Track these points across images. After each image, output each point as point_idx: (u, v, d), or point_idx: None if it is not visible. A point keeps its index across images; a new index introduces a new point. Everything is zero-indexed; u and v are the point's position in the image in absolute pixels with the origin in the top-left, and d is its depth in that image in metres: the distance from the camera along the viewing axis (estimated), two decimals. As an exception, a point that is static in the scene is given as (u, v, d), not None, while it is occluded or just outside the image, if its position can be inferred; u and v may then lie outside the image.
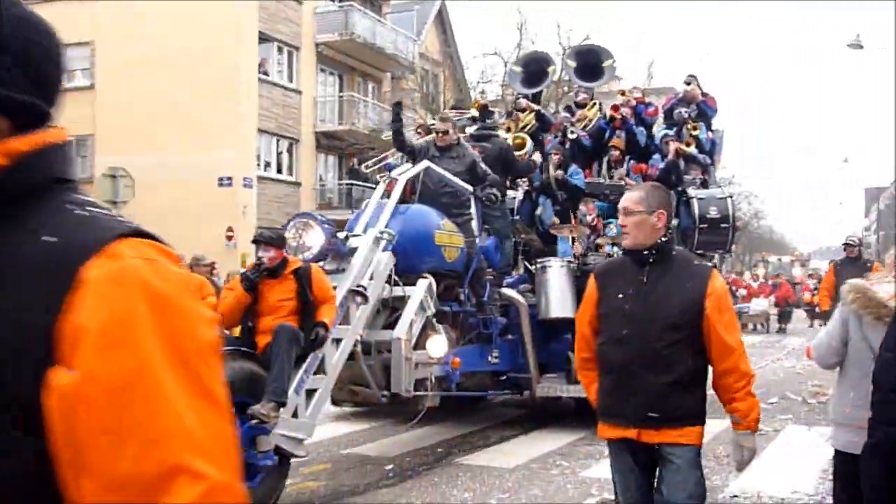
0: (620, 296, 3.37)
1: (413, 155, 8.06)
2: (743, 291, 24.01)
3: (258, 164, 24.37)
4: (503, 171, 8.97)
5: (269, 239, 5.81)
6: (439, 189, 7.76)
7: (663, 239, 3.34)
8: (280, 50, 25.49)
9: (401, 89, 26.79)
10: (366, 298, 6.23)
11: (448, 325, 7.59)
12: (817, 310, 17.30)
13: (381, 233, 6.63)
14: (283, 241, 5.91)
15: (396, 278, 6.82)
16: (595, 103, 11.03)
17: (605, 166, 10.35)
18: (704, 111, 10.82)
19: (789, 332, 24.27)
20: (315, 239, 6.34)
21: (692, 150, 10.12)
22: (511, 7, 46.62)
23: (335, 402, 7.12)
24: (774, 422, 8.99)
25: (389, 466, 7.19)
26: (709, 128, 10.91)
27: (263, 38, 24.34)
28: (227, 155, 22.72)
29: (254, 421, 5.30)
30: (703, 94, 10.88)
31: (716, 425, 8.54)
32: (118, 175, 15.48)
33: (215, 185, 22.69)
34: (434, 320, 6.95)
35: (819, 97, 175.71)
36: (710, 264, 3.54)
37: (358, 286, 6.23)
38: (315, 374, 5.94)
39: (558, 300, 8.45)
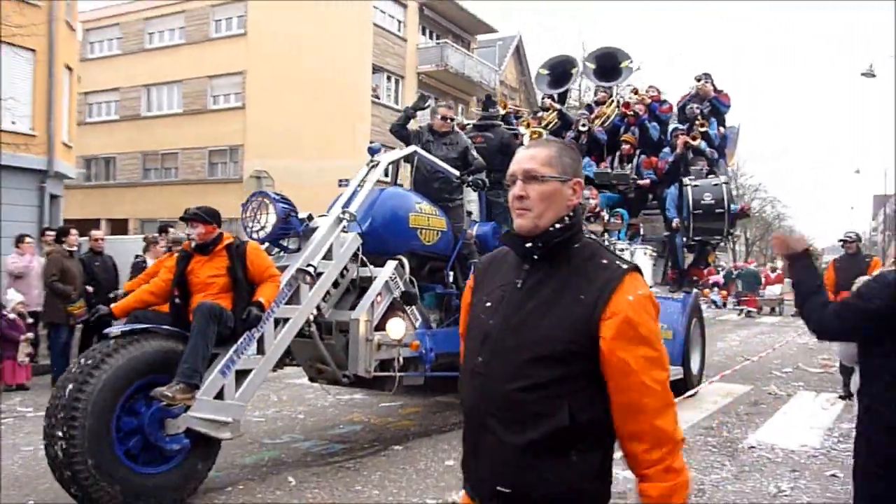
0: (488, 304, 1.63)
1: (406, 139, 6.32)
2: (762, 279, 21.18)
3: (370, 171, 23.35)
4: (505, 160, 7.06)
5: (193, 215, 4.27)
6: (432, 175, 6.05)
7: (557, 226, 1.56)
8: (389, 78, 24.57)
9: (484, 110, 25.03)
10: (313, 278, 4.57)
11: (432, 307, 5.88)
12: None
13: (343, 213, 4.97)
14: (213, 217, 4.34)
15: (364, 258, 5.15)
16: (613, 101, 8.92)
17: (616, 160, 8.24)
18: (717, 107, 8.51)
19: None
20: (269, 218, 4.73)
21: (699, 143, 7.87)
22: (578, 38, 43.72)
23: (311, 379, 5.53)
24: (788, 387, 8.32)
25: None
26: (721, 123, 8.59)
27: (376, 69, 23.73)
28: (345, 164, 21.89)
29: (163, 402, 3.78)
30: (717, 91, 8.56)
31: (737, 389, 7.86)
32: (262, 177, 14.62)
33: (336, 187, 21.83)
34: (401, 301, 5.21)
35: (793, 99, 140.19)
36: (629, 265, 1.51)
37: (308, 265, 4.58)
38: (258, 354, 4.37)
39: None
